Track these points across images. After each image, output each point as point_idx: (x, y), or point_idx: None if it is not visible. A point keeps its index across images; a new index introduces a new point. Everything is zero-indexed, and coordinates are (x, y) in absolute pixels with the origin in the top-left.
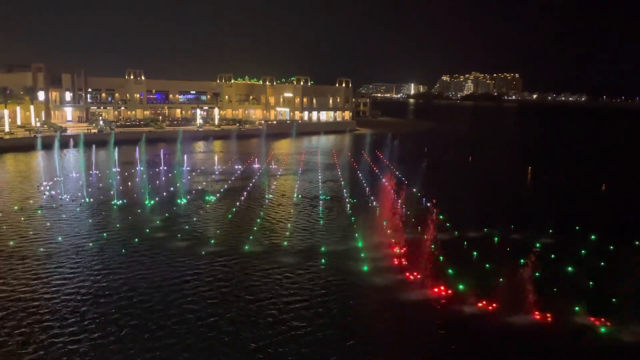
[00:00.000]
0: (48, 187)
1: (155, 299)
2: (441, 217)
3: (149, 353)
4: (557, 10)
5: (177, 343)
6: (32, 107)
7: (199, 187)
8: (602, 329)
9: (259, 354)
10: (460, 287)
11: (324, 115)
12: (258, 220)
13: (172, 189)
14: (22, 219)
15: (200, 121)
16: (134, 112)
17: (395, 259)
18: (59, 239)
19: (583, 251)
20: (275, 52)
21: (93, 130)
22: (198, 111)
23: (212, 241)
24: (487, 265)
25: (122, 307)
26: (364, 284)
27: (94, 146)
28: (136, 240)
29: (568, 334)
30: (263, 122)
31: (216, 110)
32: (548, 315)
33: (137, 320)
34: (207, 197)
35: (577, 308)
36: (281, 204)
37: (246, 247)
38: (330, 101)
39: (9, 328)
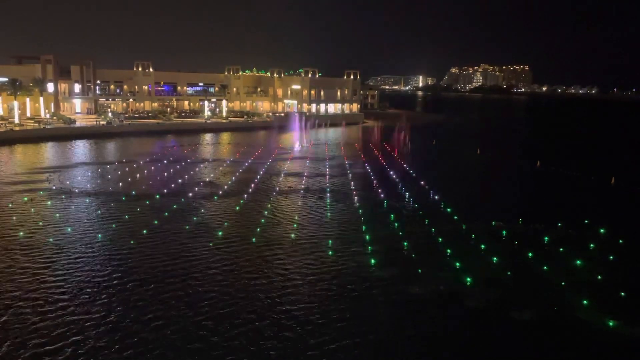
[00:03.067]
0: (57, 179)
1: (160, 288)
2: (449, 209)
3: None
4: (567, 2)
5: (177, 330)
6: (41, 98)
7: (207, 179)
8: (611, 323)
9: (258, 338)
10: (468, 280)
11: (332, 108)
12: (265, 212)
13: (180, 180)
14: (32, 210)
15: (209, 113)
16: (142, 104)
17: (403, 252)
18: (68, 229)
19: (592, 245)
20: (283, 44)
21: (102, 122)
22: (206, 103)
23: (220, 233)
24: (495, 259)
25: (128, 296)
26: (370, 276)
27: (102, 138)
28: (144, 231)
29: (576, 328)
30: (271, 114)
31: (224, 103)
32: (556, 309)
33: (141, 309)
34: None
35: (585, 302)
36: (288, 196)
37: (253, 240)
38: (338, 93)
39: (12, 315)
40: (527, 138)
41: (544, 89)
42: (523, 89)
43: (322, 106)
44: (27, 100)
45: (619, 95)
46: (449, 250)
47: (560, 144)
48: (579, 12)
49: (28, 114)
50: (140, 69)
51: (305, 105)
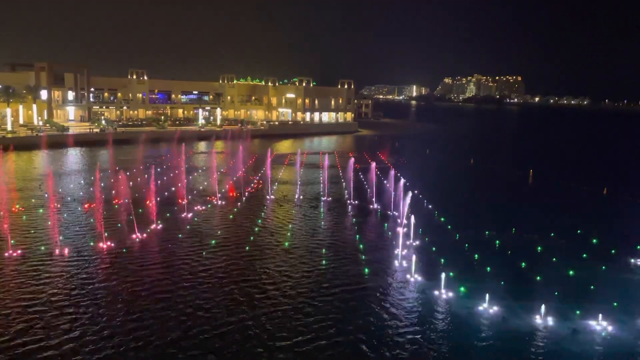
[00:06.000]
0: (50, 186)
1: (152, 295)
2: (442, 219)
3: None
4: (560, 13)
5: (165, 336)
6: (34, 105)
7: (201, 187)
8: (604, 333)
9: (248, 342)
10: (461, 289)
11: (326, 117)
12: (259, 220)
13: (173, 188)
14: (24, 217)
15: (203, 121)
16: (136, 111)
17: (396, 261)
18: (60, 237)
19: (584, 254)
20: (278, 53)
21: (95, 130)
22: (200, 111)
23: (214, 241)
24: (489, 268)
25: (118, 301)
26: (363, 285)
27: (96, 146)
28: (137, 239)
29: (569, 337)
30: (265, 122)
31: (218, 111)
32: (549, 318)
33: (131, 314)
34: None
35: (578, 312)
36: (282, 205)
37: (247, 248)
38: (332, 102)
39: (4, 327)
40: (519, 148)
41: (536, 99)
42: (515, 100)
43: (317, 115)
44: (20, 107)
45: (610, 106)
46: (442, 260)
47: (553, 154)
48: (571, 24)
49: (21, 121)
50: (134, 77)
51: (299, 114)
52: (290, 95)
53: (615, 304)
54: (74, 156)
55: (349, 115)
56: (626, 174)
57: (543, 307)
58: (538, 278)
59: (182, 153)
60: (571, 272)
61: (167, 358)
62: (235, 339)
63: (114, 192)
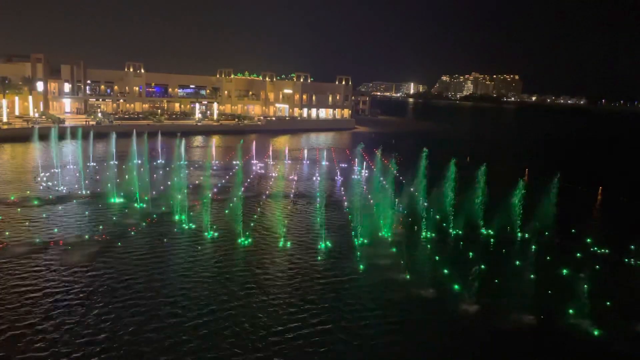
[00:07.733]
0: (45, 179)
1: (145, 288)
2: (437, 217)
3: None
4: (559, 13)
5: (159, 328)
6: (30, 97)
7: (197, 182)
8: (596, 332)
9: (240, 338)
10: (455, 287)
11: (323, 113)
12: (255, 216)
13: (169, 183)
14: (19, 209)
15: (199, 116)
16: (132, 105)
17: (391, 259)
18: (55, 230)
19: (578, 254)
20: (276, 49)
21: (91, 123)
22: (197, 105)
23: (209, 236)
24: (483, 266)
25: (112, 294)
26: (358, 282)
27: (91, 138)
28: (132, 233)
29: (562, 336)
30: (262, 117)
31: (215, 105)
32: (542, 317)
33: (124, 307)
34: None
35: (571, 311)
36: (278, 200)
37: (241, 243)
38: (330, 99)
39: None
40: (515, 147)
41: (534, 98)
42: (513, 98)
43: (314, 111)
44: (16, 98)
45: (607, 106)
46: (437, 257)
47: (549, 153)
48: (570, 25)
49: (17, 113)
50: (131, 70)
51: (296, 110)
52: (288, 91)
53: (608, 303)
54: (69, 149)
55: (346, 112)
56: (621, 173)
57: (536, 306)
58: (532, 277)
59: (178, 147)
60: (565, 271)
61: (162, 349)
62: (226, 332)
63: (108, 184)
